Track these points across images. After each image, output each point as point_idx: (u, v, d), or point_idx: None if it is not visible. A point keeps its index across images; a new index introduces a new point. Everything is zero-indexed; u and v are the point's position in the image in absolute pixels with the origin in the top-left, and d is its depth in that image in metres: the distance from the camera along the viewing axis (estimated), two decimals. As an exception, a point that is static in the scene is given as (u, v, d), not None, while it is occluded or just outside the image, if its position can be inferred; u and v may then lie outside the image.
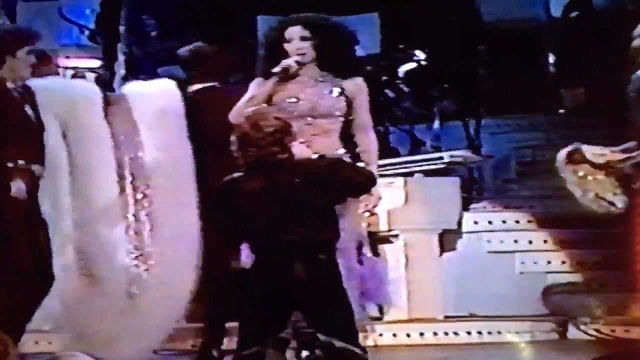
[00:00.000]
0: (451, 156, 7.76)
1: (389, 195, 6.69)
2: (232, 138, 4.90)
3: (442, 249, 7.27)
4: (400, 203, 7.15)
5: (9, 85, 5.46)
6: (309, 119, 5.21)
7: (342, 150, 5.26)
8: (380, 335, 6.84)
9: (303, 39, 5.21)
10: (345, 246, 5.07)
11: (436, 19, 8.66)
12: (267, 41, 5.41)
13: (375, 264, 5.45)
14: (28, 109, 5.52)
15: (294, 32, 5.24)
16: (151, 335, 5.78)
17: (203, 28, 9.02)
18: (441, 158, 7.74)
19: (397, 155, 8.09)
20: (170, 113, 5.97)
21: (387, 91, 8.47)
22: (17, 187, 5.35)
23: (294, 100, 5.22)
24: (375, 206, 5.20)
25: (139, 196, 5.82)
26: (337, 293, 4.79)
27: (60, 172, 5.78)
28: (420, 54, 8.49)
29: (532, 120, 8.60)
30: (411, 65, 8.52)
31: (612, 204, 5.47)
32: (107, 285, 5.70)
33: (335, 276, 4.82)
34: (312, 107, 5.22)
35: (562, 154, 5.55)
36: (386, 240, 7.09)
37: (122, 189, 5.84)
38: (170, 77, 8.11)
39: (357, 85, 5.29)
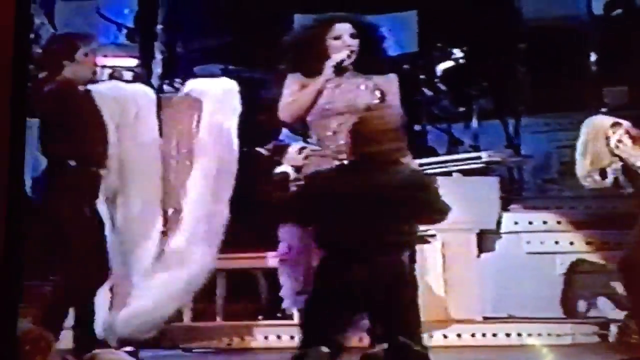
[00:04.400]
0: (490, 155, 7.69)
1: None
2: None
3: (481, 250, 7.20)
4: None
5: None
6: (347, 115, 5.23)
7: None
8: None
9: (353, 36, 5.27)
10: None
11: (475, 16, 8.56)
12: (306, 38, 5.41)
13: None
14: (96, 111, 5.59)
15: (344, 29, 5.32)
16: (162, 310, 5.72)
17: (239, 26, 9.02)
18: (479, 157, 7.67)
19: (435, 154, 8.03)
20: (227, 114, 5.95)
21: (424, 90, 8.41)
22: None
23: (334, 95, 5.25)
24: None
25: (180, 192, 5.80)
26: (410, 295, 4.80)
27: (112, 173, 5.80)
28: (458, 52, 8.41)
29: (573, 120, 8.45)
30: (449, 64, 8.45)
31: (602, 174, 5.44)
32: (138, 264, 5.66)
33: (409, 277, 4.84)
34: (349, 103, 5.24)
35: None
36: (424, 240, 6.99)
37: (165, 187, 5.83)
38: (208, 75, 8.13)
39: (389, 80, 5.30)
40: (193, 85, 6.12)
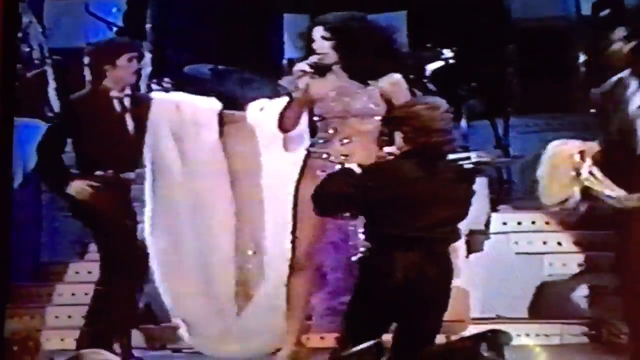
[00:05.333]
0: (479, 156, 7.67)
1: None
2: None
3: (469, 250, 7.19)
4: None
5: (113, 94, 5.55)
6: (342, 118, 5.19)
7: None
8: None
9: (324, 39, 5.19)
10: None
11: (464, 17, 8.56)
12: (301, 42, 5.39)
13: None
14: (128, 119, 5.58)
15: (316, 31, 5.23)
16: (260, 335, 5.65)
17: (229, 26, 8.99)
18: (469, 158, 7.66)
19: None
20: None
21: (414, 90, 8.39)
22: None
23: (328, 99, 5.19)
24: None
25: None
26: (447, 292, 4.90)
27: (174, 178, 5.68)
28: (448, 53, 8.40)
29: (562, 120, 8.46)
30: (439, 64, 8.44)
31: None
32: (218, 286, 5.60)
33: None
34: (343, 108, 5.19)
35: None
36: None
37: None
38: (197, 75, 8.11)
39: (392, 83, 5.24)
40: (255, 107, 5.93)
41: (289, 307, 5.35)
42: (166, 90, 8.83)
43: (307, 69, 5.23)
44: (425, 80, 8.44)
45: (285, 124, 5.33)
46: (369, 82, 5.22)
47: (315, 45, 5.24)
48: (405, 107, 5.03)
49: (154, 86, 8.83)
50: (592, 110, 8.73)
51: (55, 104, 9.41)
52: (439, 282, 4.88)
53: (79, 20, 9.50)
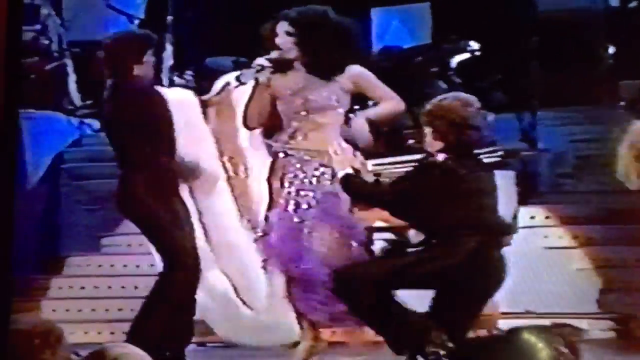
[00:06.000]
0: (505, 149, 7.61)
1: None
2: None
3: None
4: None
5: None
6: (303, 113, 5.12)
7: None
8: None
9: (287, 34, 5.11)
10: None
11: (490, 8, 8.48)
12: (263, 35, 5.29)
13: None
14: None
15: (280, 26, 5.15)
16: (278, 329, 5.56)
17: (252, 18, 8.93)
18: (495, 151, 7.59)
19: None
20: None
21: (438, 82, 8.32)
22: None
23: (288, 95, 5.13)
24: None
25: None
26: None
27: None
28: (474, 45, 8.33)
29: (589, 113, 8.39)
30: (464, 56, 8.37)
31: None
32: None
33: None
34: (304, 103, 5.12)
35: None
36: None
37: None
38: (219, 67, 8.04)
39: (352, 74, 5.14)
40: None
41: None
42: (188, 82, 8.79)
43: (266, 63, 5.15)
44: (450, 73, 8.37)
45: (249, 121, 5.26)
46: (331, 77, 5.14)
47: (278, 40, 5.17)
48: (438, 103, 4.99)
49: (175, 79, 8.79)
50: (622, 103, 8.69)
51: (76, 97, 9.39)
52: (496, 267, 4.95)
53: (98, 13, 9.46)
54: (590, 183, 7.90)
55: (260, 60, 5.17)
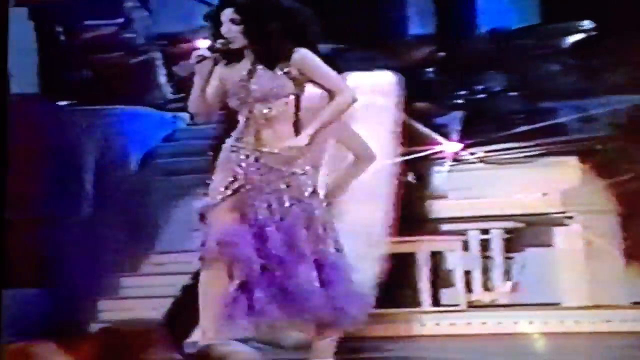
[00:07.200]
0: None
1: (562, 174, 6.55)
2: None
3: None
4: (576, 183, 6.75)
5: None
6: (248, 106, 4.71)
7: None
8: (562, 322, 6.40)
9: (232, 22, 4.71)
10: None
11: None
12: (209, 23, 4.90)
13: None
14: None
15: (225, 14, 4.74)
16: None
17: (348, 4, 8.64)
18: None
19: (566, 132, 7.50)
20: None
21: (550, 64, 7.89)
22: None
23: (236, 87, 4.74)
24: None
25: None
26: None
27: None
28: (588, 24, 7.88)
29: None
30: (578, 36, 7.92)
31: None
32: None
33: None
34: (247, 94, 4.71)
35: None
36: (560, 223, 6.72)
37: None
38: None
39: (295, 60, 4.69)
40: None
41: None
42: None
43: (208, 53, 4.77)
44: (563, 54, 7.95)
45: (191, 108, 4.88)
46: (276, 65, 4.73)
47: (223, 29, 4.78)
48: None
49: (268, 68, 8.51)
50: None
51: (168, 91, 9.15)
52: None
53: (186, 5, 9.22)
54: None
55: (202, 50, 4.78)
